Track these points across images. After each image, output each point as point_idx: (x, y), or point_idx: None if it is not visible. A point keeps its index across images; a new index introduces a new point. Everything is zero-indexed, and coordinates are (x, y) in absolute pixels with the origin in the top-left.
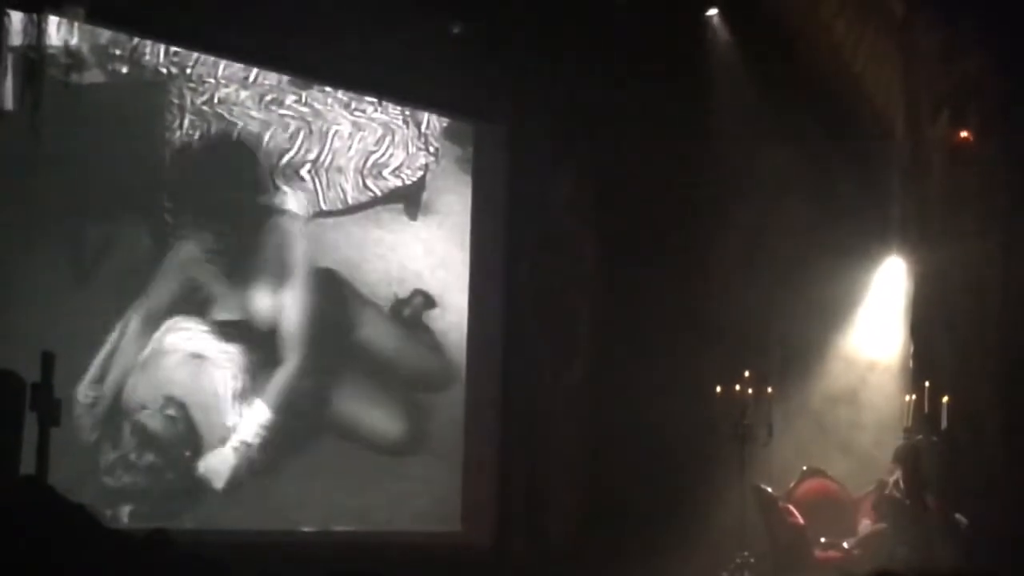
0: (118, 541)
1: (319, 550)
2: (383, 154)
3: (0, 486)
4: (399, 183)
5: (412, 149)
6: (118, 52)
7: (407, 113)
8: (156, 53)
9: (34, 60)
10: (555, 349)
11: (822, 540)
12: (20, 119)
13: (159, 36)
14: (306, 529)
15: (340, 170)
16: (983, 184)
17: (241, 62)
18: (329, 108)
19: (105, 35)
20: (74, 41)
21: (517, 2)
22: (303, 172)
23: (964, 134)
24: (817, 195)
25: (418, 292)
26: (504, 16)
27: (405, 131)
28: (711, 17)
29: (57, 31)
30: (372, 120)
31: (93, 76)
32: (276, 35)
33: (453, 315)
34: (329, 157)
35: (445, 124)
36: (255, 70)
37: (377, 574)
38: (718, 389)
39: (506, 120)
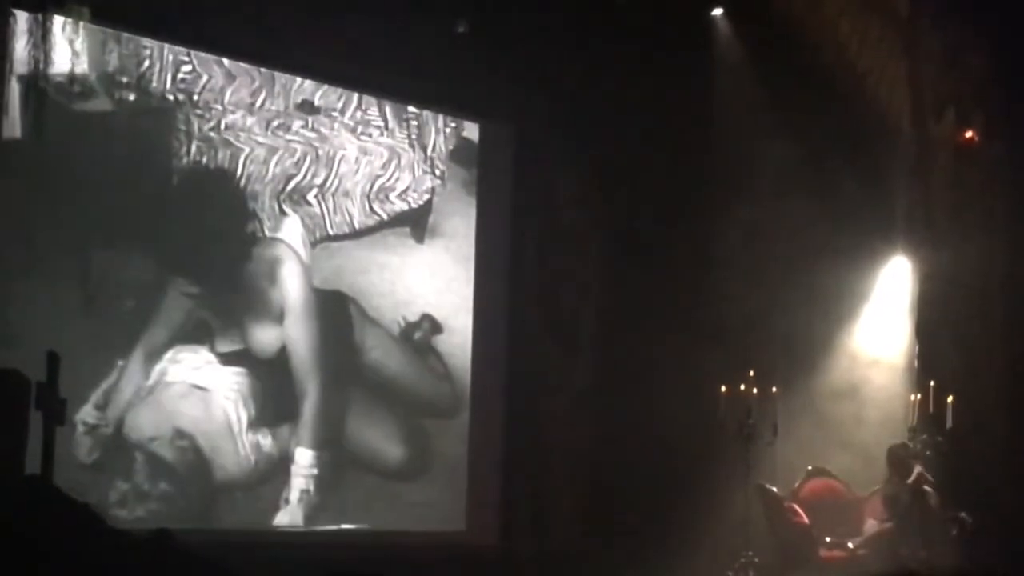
0: (122, 540)
1: (324, 550)
2: (389, 178)
3: (6, 485)
4: (405, 207)
5: (418, 172)
6: (124, 79)
7: (413, 137)
8: (163, 80)
9: (41, 87)
10: (559, 351)
11: (827, 540)
12: (28, 145)
13: (160, 35)
14: (311, 528)
15: (347, 194)
16: (988, 183)
17: (244, 61)
18: (336, 133)
19: (112, 62)
20: (80, 68)
21: (522, 0)
22: (310, 197)
23: (969, 134)
24: (822, 194)
25: (426, 316)
26: (508, 14)
27: (411, 155)
28: (716, 17)
29: (62, 31)
30: (378, 144)
31: (100, 103)
32: (279, 35)
33: (459, 336)
34: (336, 182)
35: (451, 147)
36: (262, 96)
37: (378, 575)
38: (723, 389)
39: (511, 119)
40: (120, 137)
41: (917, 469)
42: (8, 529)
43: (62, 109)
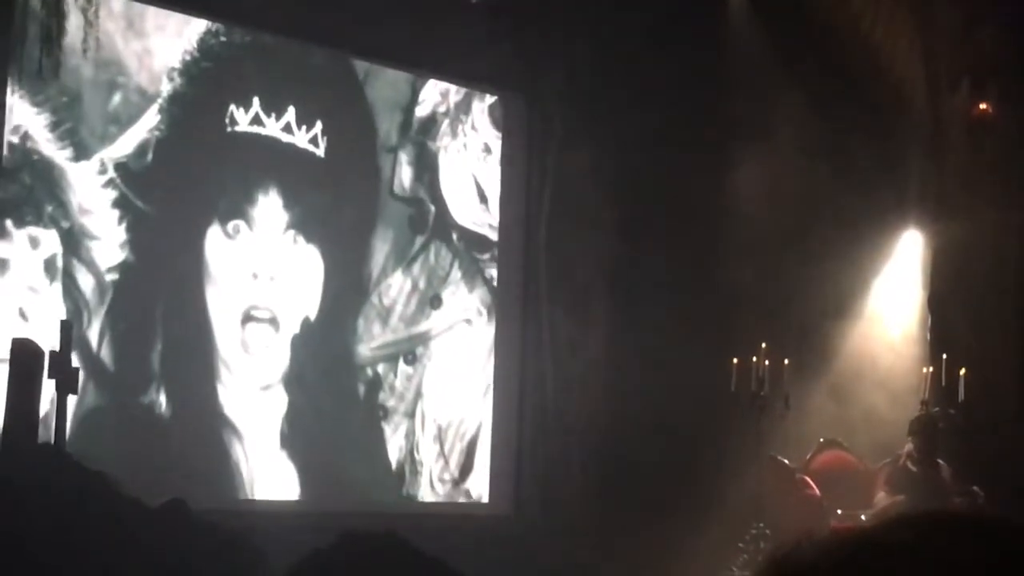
0: (136, 508)
1: (344, 519)
2: None
3: (20, 453)
4: None
5: None
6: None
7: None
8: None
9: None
10: (573, 322)
11: (838, 512)
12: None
13: (168, 3)
14: (333, 500)
15: None
16: (1002, 156)
17: (253, 29)
18: None
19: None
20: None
21: None
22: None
23: (983, 106)
24: (836, 167)
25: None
26: None
27: None
28: None
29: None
30: None
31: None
32: (291, 5)
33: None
34: None
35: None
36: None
37: (391, 534)
38: (735, 361)
39: (524, 91)
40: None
41: (907, 447)
42: (23, 497)
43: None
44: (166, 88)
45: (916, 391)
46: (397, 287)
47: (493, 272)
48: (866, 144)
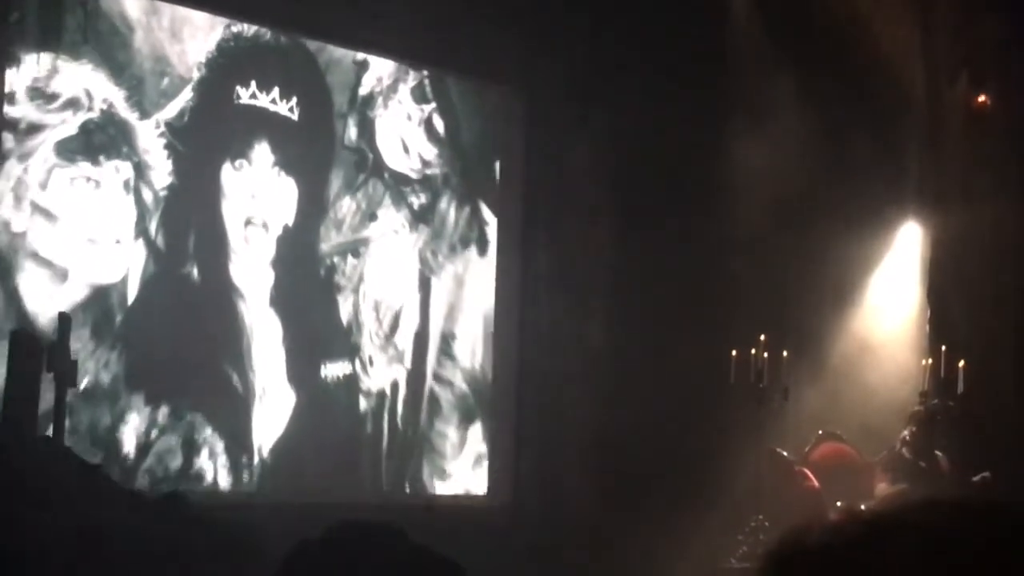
0: (134, 501)
1: (344, 512)
2: None
3: (19, 445)
4: None
5: None
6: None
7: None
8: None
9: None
10: (571, 314)
11: (838, 504)
12: None
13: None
14: (336, 492)
15: None
16: (1000, 148)
17: (251, 22)
18: None
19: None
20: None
21: None
22: None
23: (982, 98)
24: (835, 159)
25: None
26: None
27: None
28: None
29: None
30: None
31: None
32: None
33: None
34: None
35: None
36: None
37: (387, 523)
38: (734, 353)
39: (523, 84)
40: None
41: (903, 434)
42: (23, 489)
43: None
44: (196, 75)
45: (915, 383)
46: (346, 206)
47: (413, 199)
48: (865, 136)
